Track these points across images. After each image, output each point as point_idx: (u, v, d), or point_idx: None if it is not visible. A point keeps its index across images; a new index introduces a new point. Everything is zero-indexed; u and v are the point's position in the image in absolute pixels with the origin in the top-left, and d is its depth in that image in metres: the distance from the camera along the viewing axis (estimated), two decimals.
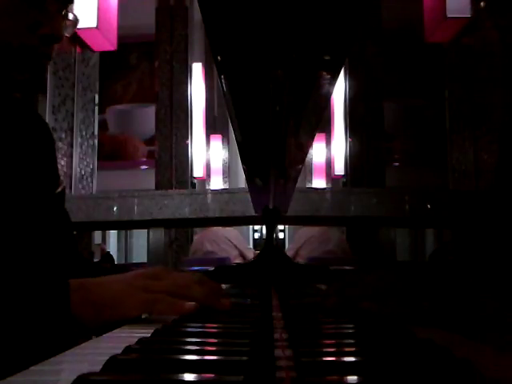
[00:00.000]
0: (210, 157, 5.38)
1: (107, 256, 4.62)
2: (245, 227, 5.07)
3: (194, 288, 0.63)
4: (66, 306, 0.57)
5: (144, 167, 6.37)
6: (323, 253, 3.34)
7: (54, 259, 0.72)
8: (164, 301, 0.60)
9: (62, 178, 0.84)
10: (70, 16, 0.73)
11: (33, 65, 0.68)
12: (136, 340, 0.43)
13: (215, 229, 3.66)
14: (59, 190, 0.83)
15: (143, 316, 0.65)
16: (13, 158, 0.71)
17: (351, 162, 4.23)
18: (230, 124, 0.70)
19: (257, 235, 5.35)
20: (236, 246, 3.60)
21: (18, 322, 0.55)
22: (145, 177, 5.58)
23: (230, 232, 3.66)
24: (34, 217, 0.73)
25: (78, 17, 0.75)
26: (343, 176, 4.52)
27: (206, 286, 0.65)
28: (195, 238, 3.85)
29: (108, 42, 3.20)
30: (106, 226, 3.21)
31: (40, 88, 0.73)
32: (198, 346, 0.42)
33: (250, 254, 3.61)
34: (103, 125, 5.97)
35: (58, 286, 0.58)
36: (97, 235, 4.07)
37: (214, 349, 0.42)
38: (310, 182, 5.45)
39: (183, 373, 0.33)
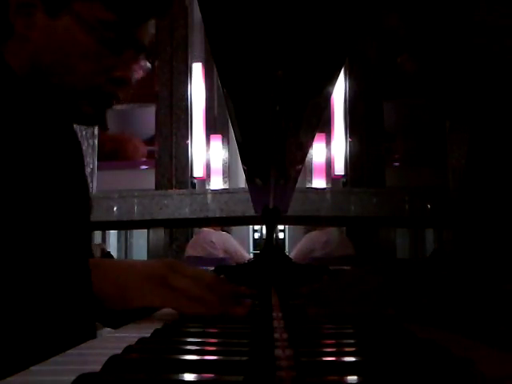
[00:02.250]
0: (210, 157, 5.38)
1: (107, 256, 4.62)
2: (245, 227, 5.07)
3: (207, 298, 0.64)
4: (88, 283, 0.60)
5: (144, 167, 6.37)
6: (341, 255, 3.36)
7: (78, 259, 0.76)
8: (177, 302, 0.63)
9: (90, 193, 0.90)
10: (143, 63, 0.78)
11: (99, 101, 0.75)
12: (136, 340, 0.43)
13: (206, 232, 3.67)
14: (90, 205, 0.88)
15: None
16: (49, 169, 0.76)
17: (351, 162, 4.23)
18: (230, 124, 0.70)
19: (257, 235, 5.34)
20: (225, 250, 3.60)
21: (43, 302, 0.59)
22: (145, 177, 5.57)
23: (219, 235, 3.66)
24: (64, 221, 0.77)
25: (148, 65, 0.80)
26: (343, 176, 4.52)
27: (219, 291, 0.66)
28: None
29: None
30: (106, 226, 3.22)
31: (100, 122, 0.79)
32: (198, 345, 0.42)
33: (244, 257, 3.61)
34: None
35: (79, 262, 0.62)
36: (97, 235, 4.07)
37: (214, 349, 0.42)
38: (310, 182, 5.44)
39: (183, 373, 0.33)
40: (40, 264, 0.62)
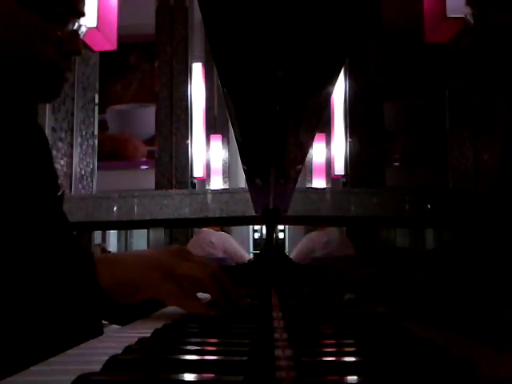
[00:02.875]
0: (210, 157, 5.38)
1: None
2: (245, 227, 5.07)
3: (209, 282, 0.64)
4: (94, 278, 0.60)
5: (144, 167, 6.37)
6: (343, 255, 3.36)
7: (52, 260, 0.75)
8: (183, 300, 0.63)
9: (60, 181, 0.89)
10: (82, 28, 0.80)
11: (56, 77, 0.77)
12: (136, 340, 0.43)
13: (206, 233, 3.67)
14: (59, 193, 0.87)
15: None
16: (12, 162, 0.75)
17: (351, 162, 4.23)
18: (230, 124, 0.70)
19: (257, 235, 5.35)
20: (225, 250, 3.60)
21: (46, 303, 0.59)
22: (145, 177, 5.57)
23: (219, 236, 3.67)
24: (35, 220, 0.76)
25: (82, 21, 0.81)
26: (343, 176, 4.52)
27: (222, 279, 0.66)
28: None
29: (108, 42, 3.20)
30: (105, 226, 3.22)
31: (58, 96, 0.81)
32: (198, 345, 0.42)
33: (244, 257, 3.62)
34: (103, 125, 5.96)
35: (83, 259, 0.62)
36: (97, 235, 4.07)
37: (214, 349, 0.42)
38: (310, 182, 5.45)
39: (183, 373, 0.33)
40: (34, 262, 0.62)
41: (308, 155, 0.99)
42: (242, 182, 5.16)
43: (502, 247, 0.68)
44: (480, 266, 0.68)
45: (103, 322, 0.76)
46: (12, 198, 0.72)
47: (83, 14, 0.78)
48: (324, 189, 3.77)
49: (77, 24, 0.78)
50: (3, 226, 0.69)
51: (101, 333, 0.71)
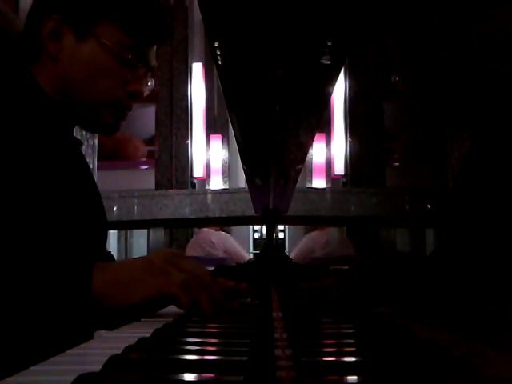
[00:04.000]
0: (210, 157, 5.38)
1: (108, 256, 4.61)
2: (245, 227, 5.07)
3: (209, 285, 0.67)
4: (87, 285, 0.63)
5: (144, 167, 6.37)
6: (343, 255, 3.36)
7: (86, 247, 0.84)
8: (177, 288, 0.64)
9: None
10: (149, 80, 0.92)
11: (118, 113, 0.88)
12: (136, 340, 0.43)
13: (206, 233, 3.67)
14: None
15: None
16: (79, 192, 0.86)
17: (351, 162, 4.23)
18: (230, 124, 0.70)
19: (257, 235, 5.34)
20: (225, 250, 3.60)
21: (40, 300, 0.61)
22: (145, 177, 5.56)
23: (219, 236, 3.67)
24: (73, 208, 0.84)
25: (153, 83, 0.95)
26: (343, 176, 4.52)
27: (217, 284, 0.70)
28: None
29: None
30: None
31: (118, 129, 0.93)
32: (198, 345, 0.42)
33: (244, 257, 3.61)
34: None
35: (80, 266, 0.65)
36: None
37: (214, 349, 0.42)
38: (310, 182, 5.44)
39: (183, 373, 0.33)
40: (40, 266, 0.64)
41: (308, 155, 0.99)
42: (242, 182, 5.16)
43: (499, 246, 0.68)
44: (480, 266, 0.68)
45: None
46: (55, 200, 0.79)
47: (152, 68, 0.91)
48: (324, 189, 3.76)
49: (148, 75, 0.91)
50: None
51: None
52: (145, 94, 0.92)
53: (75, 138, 0.95)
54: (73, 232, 0.81)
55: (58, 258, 0.66)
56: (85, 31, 0.83)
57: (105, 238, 1.01)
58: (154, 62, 0.92)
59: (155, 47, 0.91)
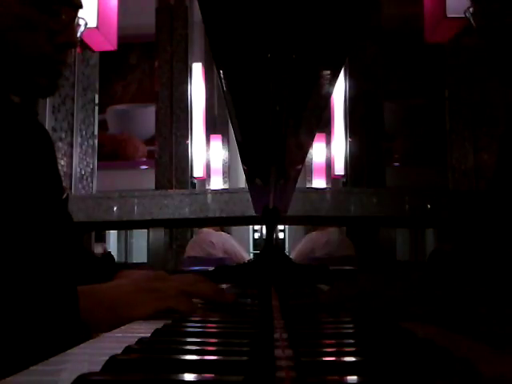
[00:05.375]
0: (210, 157, 5.38)
1: (108, 256, 4.61)
2: (245, 227, 5.07)
3: (200, 285, 0.69)
4: (76, 313, 0.59)
5: (144, 167, 6.37)
6: (342, 255, 3.37)
7: (63, 264, 0.77)
8: (172, 299, 0.64)
9: (64, 184, 0.87)
10: (80, 21, 0.80)
11: (50, 70, 0.76)
12: (136, 340, 0.43)
13: (206, 233, 3.67)
14: (64, 196, 0.85)
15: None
16: (18, 164, 0.75)
17: (351, 162, 4.23)
18: (230, 124, 0.70)
19: (257, 235, 5.34)
20: (225, 250, 3.60)
21: (25, 327, 0.57)
22: (145, 177, 5.57)
23: (219, 236, 3.67)
24: (41, 222, 0.76)
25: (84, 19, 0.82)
26: (343, 176, 4.52)
27: (209, 283, 0.71)
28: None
29: (108, 42, 3.20)
30: (106, 226, 3.21)
31: (56, 90, 0.79)
32: (198, 345, 0.42)
33: (244, 257, 3.62)
34: (103, 125, 5.96)
35: (67, 293, 0.60)
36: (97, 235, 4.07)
37: (214, 349, 0.42)
38: (310, 182, 5.45)
39: (183, 373, 0.33)
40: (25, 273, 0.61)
41: (308, 155, 0.99)
42: (242, 182, 5.16)
43: (501, 247, 0.68)
44: (480, 266, 0.68)
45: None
46: (16, 200, 0.72)
47: (80, 6, 0.77)
48: (324, 189, 3.76)
49: (76, 18, 0.77)
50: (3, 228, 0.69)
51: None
52: (77, 42, 0.79)
53: (17, 105, 0.82)
54: (38, 232, 0.74)
55: (36, 275, 0.63)
56: None
57: (74, 233, 0.91)
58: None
59: None
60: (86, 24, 0.82)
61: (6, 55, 0.73)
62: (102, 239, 4.34)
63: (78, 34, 0.79)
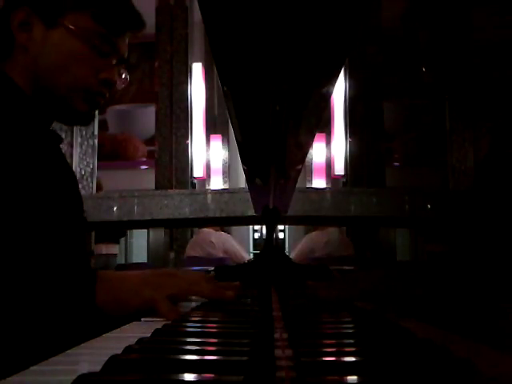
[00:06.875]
0: (210, 157, 5.38)
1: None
2: (245, 227, 5.07)
3: (203, 284, 0.74)
4: (92, 295, 0.67)
5: (144, 167, 6.37)
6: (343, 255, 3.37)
7: (81, 257, 0.87)
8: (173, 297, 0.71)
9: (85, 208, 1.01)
10: (123, 74, 0.94)
11: (91, 101, 0.89)
12: (136, 340, 0.43)
13: (206, 233, 3.67)
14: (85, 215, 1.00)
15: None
16: (47, 184, 0.85)
17: (351, 161, 4.23)
18: (230, 124, 0.70)
19: (257, 235, 5.34)
20: (225, 250, 3.61)
21: (46, 311, 0.65)
22: (145, 177, 5.57)
23: (219, 236, 3.67)
24: (62, 221, 0.85)
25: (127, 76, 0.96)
26: (343, 176, 4.52)
27: (212, 282, 0.76)
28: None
29: None
30: (106, 226, 3.21)
31: (92, 120, 0.95)
32: (198, 345, 0.42)
33: (244, 257, 3.62)
34: (103, 125, 5.95)
35: (85, 276, 0.69)
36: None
37: (214, 349, 0.42)
38: (310, 182, 5.44)
39: (183, 373, 0.33)
40: (41, 268, 0.66)
41: (308, 155, 0.99)
42: (242, 182, 5.15)
43: (498, 246, 0.68)
44: (480, 266, 0.68)
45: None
46: (45, 215, 0.80)
47: (125, 60, 0.92)
48: (324, 189, 3.76)
49: (121, 66, 0.92)
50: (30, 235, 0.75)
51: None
52: (119, 87, 0.93)
53: (55, 134, 0.94)
54: (56, 231, 0.82)
55: (56, 264, 0.69)
56: (54, 20, 0.83)
57: (84, 236, 1.02)
58: (125, 53, 0.93)
59: (127, 39, 0.93)
60: (127, 78, 0.96)
61: (55, 84, 0.85)
62: (116, 240, 4.27)
63: (120, 85, 0.93)
